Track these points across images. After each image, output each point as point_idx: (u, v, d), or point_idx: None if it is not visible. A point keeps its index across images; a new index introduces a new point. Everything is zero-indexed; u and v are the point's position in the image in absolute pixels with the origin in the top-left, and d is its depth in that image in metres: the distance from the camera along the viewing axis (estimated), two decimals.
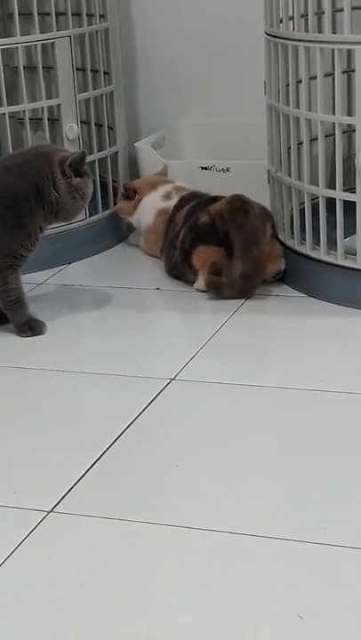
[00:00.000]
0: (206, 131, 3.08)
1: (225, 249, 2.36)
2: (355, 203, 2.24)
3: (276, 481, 1.65)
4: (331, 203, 2.29)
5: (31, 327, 2.25)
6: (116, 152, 2.88)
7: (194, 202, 2.52)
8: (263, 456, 1.72)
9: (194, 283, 2.43)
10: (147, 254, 2.73)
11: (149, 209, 2.68)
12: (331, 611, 1.32)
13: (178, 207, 2.56)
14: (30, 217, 2.20)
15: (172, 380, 2.00)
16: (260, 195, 2.54)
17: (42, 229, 2.25)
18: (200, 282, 2.41)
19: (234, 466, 1.68)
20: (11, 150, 2.58)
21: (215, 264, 2.37)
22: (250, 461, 1.69)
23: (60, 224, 2.31)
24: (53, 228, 2.49)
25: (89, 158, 2.66)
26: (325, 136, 2.29)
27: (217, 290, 2.36)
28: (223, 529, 1.50)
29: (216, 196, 2.48)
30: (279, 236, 2.47)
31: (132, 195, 2.73)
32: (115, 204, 2.81)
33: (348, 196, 2.26)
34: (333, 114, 2.24)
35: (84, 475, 1.67)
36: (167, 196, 2.66)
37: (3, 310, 2.27)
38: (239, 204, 2.36)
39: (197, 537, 1.49)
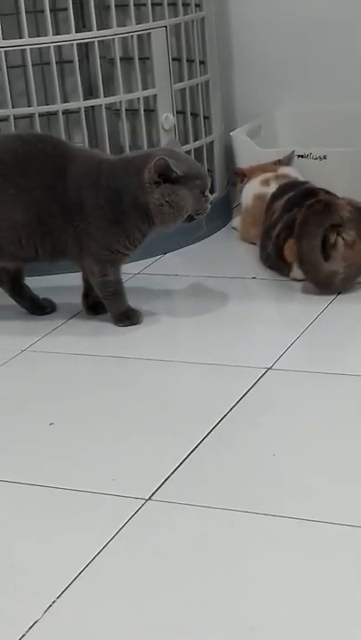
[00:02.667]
0: (302, 118, 3.06)
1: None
2: None
3: None
4: None
5: (128, 317, 2.26)
6: (212, 141, 2.88)
7: (292, 192, 2.49)
8: None
9: (289, 274, 2.41)
10: (242, 239, 2.73)
11: (249, 193, 2.72)
12: None
13: (276, 196, 2.55)
14: (126, 215, 2.19)
15: (268, 369, 1.99)
16: (359, 182, 2.51)
17: (141, 232, 2.21)
18: (296, 271, 2.39)
19: (332, 455, 1.67)
20: (107, 142, 2.60)
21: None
22: (349, 450, 1.68)
23: (162, 231, 2.24)
24: None
25: (185, 148, 2.68)
26: None
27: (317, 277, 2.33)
28: (322, 519, 1.49)
29: (313, 189, 2.45)
30: None
31: (239, 178, 2.78)
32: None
33: None
34: None
35: (182, 463, 1.68)
36: (265, 183, 2.67)
37: (101, 300, 2.29)
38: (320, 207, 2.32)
39: (296, 527, 1.48)
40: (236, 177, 2.80)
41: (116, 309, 2.27)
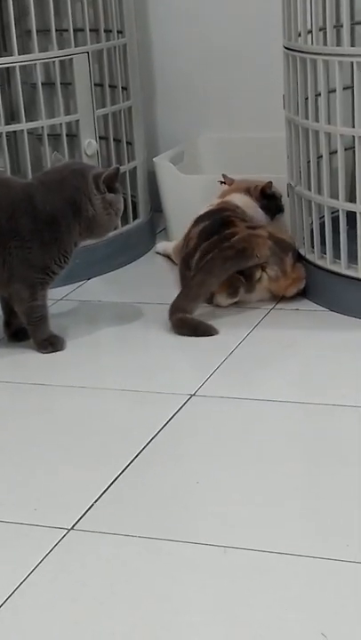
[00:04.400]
0: (225, 145, 3.08)
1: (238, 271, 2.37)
2: None
3: (297, 498, 1.63)
4: (351, 216, 2.27)
5: (52, 343, 2.25)
6: (135, 167, 2.88)
7: (208, 221, 2.49)
8: (285, 472, 1.70)
9: (212, 300, 2.42)
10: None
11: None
12: (354, 629, 1.30)
13: (195, 222, 2.54)
14: (67, 233, 2.21)
15: (192, 395, 1.99)
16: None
17: (76, 245, 2.26)
18: (219, 298, 2.40)
19: (255, 482, 1.67)
20: (29, 167, 2.58)
21: (232, 285, 2.37)
22: (271, 478, 1.68)
23: (93, 240, 2.34)
24: None
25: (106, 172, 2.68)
26: (345, 149, 2.28)
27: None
28: (245, 546, 1.49)
29: (230, 219, 2.45)
30: (300, 250, 2.46)
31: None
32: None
33: None
34: (353, 127, 2.23)
35: (105, 492, 1.66)
36: (209, 206, 2.60)
37: (25, 326, 2.26)
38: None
39: (219, 555, 1.48)
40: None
41: (40, 336, 2.25)
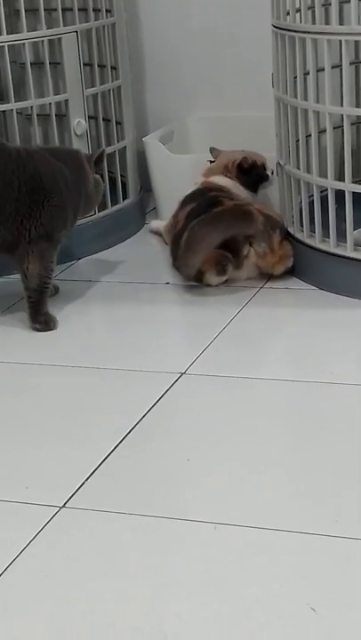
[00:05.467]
0: (214, 124, 3.07)
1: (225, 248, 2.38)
2: None
3: (287, 474, 1.65)
4: (340, 195, 2.28)
5: (46, 321, 2.27)
6: (125, 147, 2.88)
7: (195, 203, 2.49)
8: (274, 449, 1.72)
9: (202, 279, 2.42)
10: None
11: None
12: (343, 604, 1.31)
13: (182, 204, 2.54)
14: (72, 203, 2.32)
15: (182, 374, 2.00)
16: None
17: (75, 220, 2.38)
18: (209, 277, 2.40)
19: (245, 459, 1.68)
20: None
21: (220, 263, 2.38)
22: (261, 455, 1.69)
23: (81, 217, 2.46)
24: None
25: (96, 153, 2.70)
26: (334, 128, 2.28)
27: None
28: (235, 522, 1.50)
29: (219, 198, 2.46)
30: (289, 229, 2.47)
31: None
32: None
33: (358, 188, 2.25)
34: (341, 105, 2.24)
35: (96, 470, 1.67)
36: (195, 184, 2.62)
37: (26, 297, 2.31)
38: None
39: (209, 531, 1.49)
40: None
41: (41, 309, 2.28)
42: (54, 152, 2.37)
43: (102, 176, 2.45)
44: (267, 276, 2.44)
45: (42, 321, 2.27)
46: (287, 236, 2.44)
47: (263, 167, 2.62)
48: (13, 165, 2.25)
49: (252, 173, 2.61)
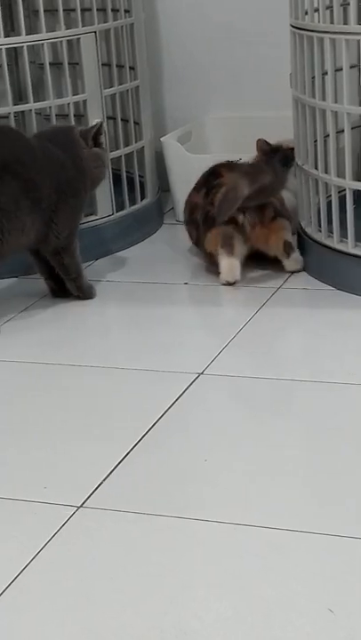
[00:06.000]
0: (232, 124, 3.07)
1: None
2: None
3: (306, 475, 1.64)
4: (358, 195, 2.28)
5: (92, 287, 2.43)
6: (143, 147, 2.88)
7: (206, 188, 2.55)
8: (292, 450, 1.71)
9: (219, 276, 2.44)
10: None
11: None
12: None
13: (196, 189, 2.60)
14: (82, 188, 2.35)
15: (200, 374, 2.00)
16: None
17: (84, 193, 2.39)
18: (221, 257, 2.44)
19: (263, 459, 1.68)
20: None
21: (226, 239, 2.43)
22: (279, 455, 1.69)
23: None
24: (81, 224, 2.50)
25: (115, 154, 2.69)
26: (352, 128, 2.28)
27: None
28: (253, 523, 1.50)
29: (215, 169, 2.55)
30: (306, 229, 2.47)
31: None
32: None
33: None
34: (360, 105, 2.23)
35: (114, 470, 1.68)
36: None
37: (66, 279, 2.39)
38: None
39: (228, 531, 1.49)
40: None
41: (85, 282, 2.41)
42: (42, 134, 2.41)
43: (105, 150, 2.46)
44: (284, 276, 2.44)
45: (91, 289, 2.41)
46: (279, 215, 2.46)
47: (291, 150, 2.63)
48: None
49: (275, 156, 2.65)
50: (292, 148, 2.61)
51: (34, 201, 2.24)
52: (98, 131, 2.39)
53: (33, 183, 2.24)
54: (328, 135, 2.33)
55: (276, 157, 2.65)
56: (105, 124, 2.48)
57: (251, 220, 2.43)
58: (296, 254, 2.46)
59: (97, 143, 2.40)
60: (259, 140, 2.67)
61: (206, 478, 1.64)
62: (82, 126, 2.48)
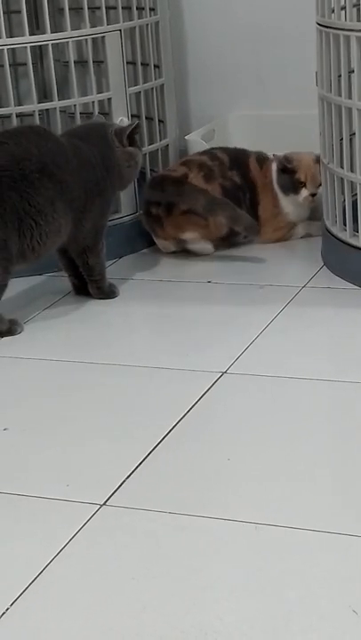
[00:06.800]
0: (256, 122, 3.07)
1: None
2: None
3: (330, 475, 1.64)
4: None
5: (114, 290, 2.43)
6: (167, 145, 2.88)
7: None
8: (316, 449, 1.71)
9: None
10: None
11: None
12: None
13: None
14: (111, 188, 2.36)
15: (223, 373, 1.99)
16: None
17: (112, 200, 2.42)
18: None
19: (286, 459, 1.67)
20: None
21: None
22: (302, 455, 1.68)
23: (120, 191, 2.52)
24: None
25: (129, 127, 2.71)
26: None
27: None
28: (276, 523, 1.49)
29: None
30: (331, 229, 2.45)
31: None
32: None
33: None
34: None
35: (137, 468, 1.67)
36: None
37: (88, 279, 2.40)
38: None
39: (251, 531, 1.48)
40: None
41: (106, 283, 2.41)
42: (73, 131, 2.41)
43: (140, 151, 2.44)
44: (309, 275, 2.43)
45: (113, 290, 2.41)
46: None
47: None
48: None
49: (286, 175, 2.67)
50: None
51: (67, 202, 2.24)
52: (134, 130, 2.38)
53: (66, 184, 2.24)
54: (354, 133, 2.32)
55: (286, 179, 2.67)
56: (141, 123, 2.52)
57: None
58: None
59: (132, 142, 2.38)
60: (278, 157, 2.68)
61: (229, 477, 1.64)
62: (116, 124, 2.49)
